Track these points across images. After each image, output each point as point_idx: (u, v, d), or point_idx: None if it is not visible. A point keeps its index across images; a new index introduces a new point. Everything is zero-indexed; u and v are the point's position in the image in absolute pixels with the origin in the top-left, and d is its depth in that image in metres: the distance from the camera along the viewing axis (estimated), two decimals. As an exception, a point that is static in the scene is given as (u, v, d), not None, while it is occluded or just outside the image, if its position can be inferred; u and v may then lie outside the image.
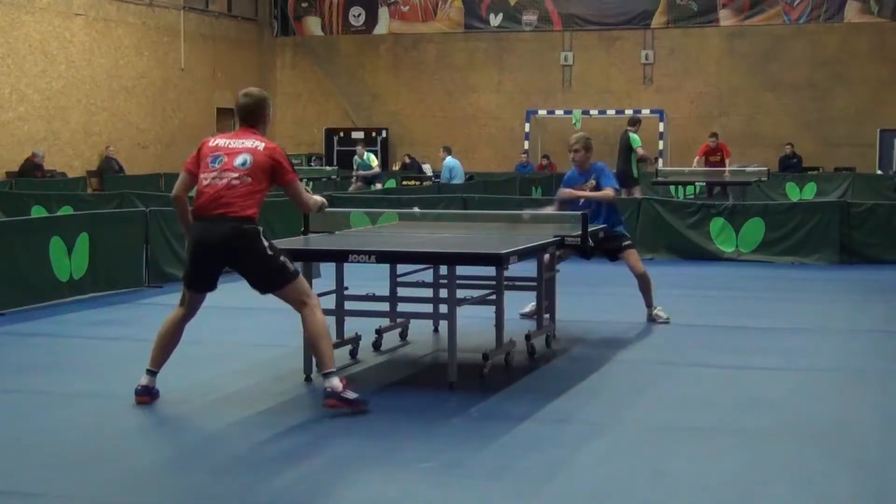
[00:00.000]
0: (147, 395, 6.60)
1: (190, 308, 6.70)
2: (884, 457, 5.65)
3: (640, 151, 18.84)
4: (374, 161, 24.06)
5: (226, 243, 6.37)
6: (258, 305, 10.78)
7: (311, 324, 6.45)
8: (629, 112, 24.79)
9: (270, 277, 6.50)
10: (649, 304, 9.72)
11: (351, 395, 6.32)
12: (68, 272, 10.84)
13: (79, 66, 24.32)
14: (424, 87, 29.92)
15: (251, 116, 6.66)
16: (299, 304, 6.52)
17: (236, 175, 6.42)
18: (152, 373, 6.65)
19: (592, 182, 9.54)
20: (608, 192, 9.57)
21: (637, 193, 18.82)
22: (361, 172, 23.37)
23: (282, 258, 6.51)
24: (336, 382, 6.31)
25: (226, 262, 6.49)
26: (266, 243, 6.45)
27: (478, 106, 29.90)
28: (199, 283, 6.62)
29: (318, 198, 7.11)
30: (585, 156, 9.59)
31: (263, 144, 6.56)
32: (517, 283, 9.36)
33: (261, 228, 6.47)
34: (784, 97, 27.93)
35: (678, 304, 10.92)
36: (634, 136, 18.93)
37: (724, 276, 13.04)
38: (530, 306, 9.38)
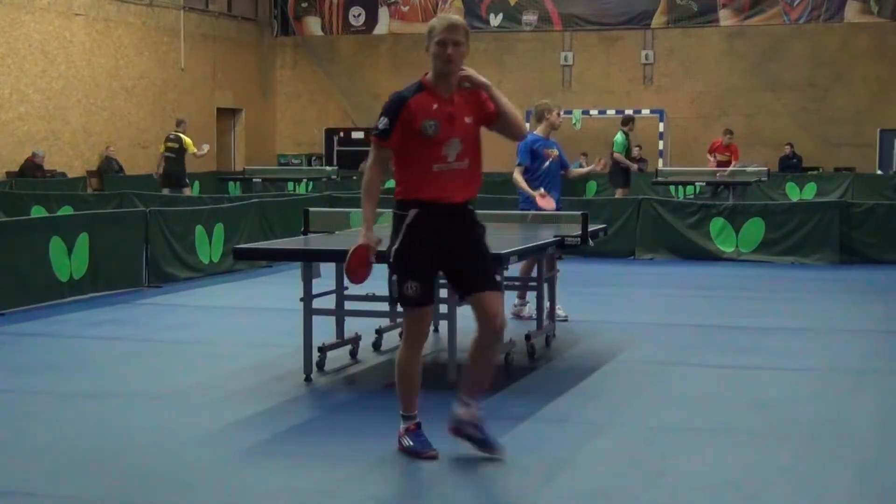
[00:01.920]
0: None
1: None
2: (884, 457, 5.65)
3: (616, 156, 18.78)
4: None
5: None
6: (258, 305, 10.80)
7: (397, 358, 5.58)
8: (629, 112, 24.75)
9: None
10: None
11: (407, 441, 5.45)
12: (68, 272, 10.84)
13: (79, 66, 24.32)
14: (424, 88, 29.85)
15: None
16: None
17: None
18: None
19: (556, 151, 9.86)
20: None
21: (618, 193, 18.78)
22: None
23: (395, 276, 5.37)
24: (401, 428, 5.51)
25: None
26: (395, 239, 5.39)
27: (478, 106, 29.87)
28: None
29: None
30: None
31: None
32: (517, 283, 9.37)
33: (399, 213, 5.38)
34: (784, 97, 27.92)
35: (678, 304, 10.94)
36: (617, 139, 19.02)
37: (724, 276, 13.04)
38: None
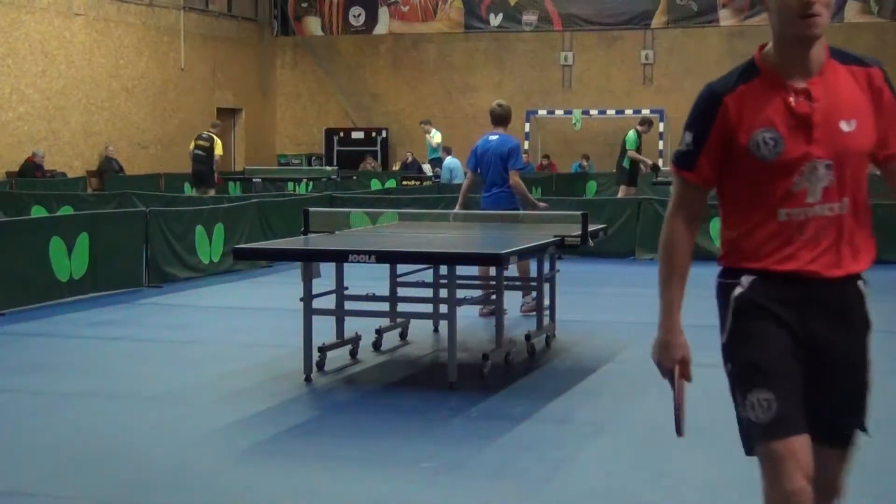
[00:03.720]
0: None
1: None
2: (884, 457, 5.64)
3: (631, 154, 18.74)
4: (438, 138, 22.09)
5: None
6: (258, 305, 10.80)
7: None
8: (629, 112, 24.77)
9: None
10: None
11: None
12: (68, 272, 10.84)
13: (79, 66, 24.32)
14: (424, 87, 29.90)
15: None
16: None
17: None
18: None
19: None
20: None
21: (620, 193, 18.73)
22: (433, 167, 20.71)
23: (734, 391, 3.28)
24: None
25: None
26: (723, 329, 3.38)
27: (478, 106, 29.86)
28: None
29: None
30: None
31: None
32: (517, 284, 9.37)
33: (724, 281, 3.43)
34: (784, 97, 27.90)
35: (678, 304, 10.91)
36: (629, 136, 18.84)
37: (724, 276, 13.02)
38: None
